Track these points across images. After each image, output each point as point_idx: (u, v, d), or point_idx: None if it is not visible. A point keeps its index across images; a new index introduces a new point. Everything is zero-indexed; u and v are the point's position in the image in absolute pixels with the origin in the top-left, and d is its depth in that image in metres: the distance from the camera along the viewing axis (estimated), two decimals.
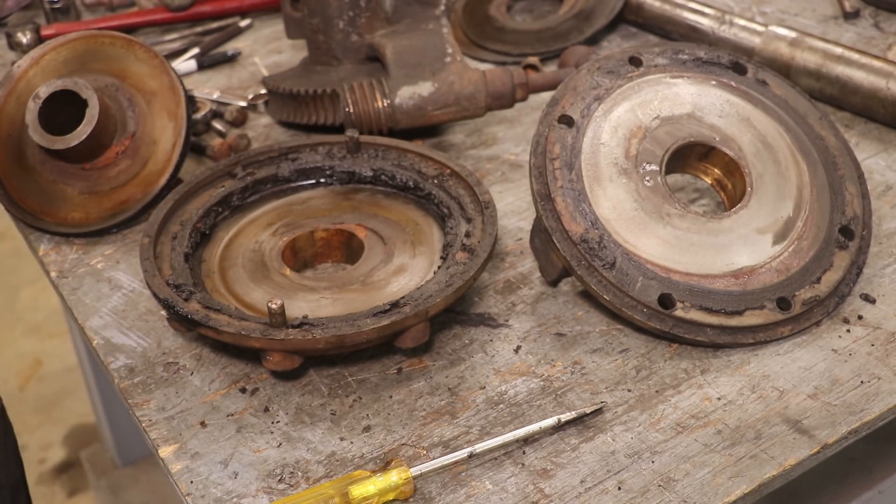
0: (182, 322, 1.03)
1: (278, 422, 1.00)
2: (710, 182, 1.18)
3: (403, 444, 0.97)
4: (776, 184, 1.12)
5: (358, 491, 0.90)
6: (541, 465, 0.94)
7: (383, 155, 1.25)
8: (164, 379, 1.06)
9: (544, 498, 0.91)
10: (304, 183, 1.26)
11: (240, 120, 1.47)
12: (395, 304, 1.01)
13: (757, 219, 1.10)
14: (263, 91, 1.51)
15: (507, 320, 1.11)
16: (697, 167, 1.17)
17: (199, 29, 1.72)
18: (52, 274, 1.21)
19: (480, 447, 0.94)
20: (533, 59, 1.51)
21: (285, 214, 1.22)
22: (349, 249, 1.19)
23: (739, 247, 1.08)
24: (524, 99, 1.35)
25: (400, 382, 1.04)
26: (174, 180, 1.26)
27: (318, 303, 1.08)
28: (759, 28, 1.47)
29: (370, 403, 1.02)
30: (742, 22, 1.49)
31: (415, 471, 0.92)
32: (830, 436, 0.96)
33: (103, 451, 2.50)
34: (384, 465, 0.93)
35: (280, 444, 0.98)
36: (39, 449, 2.66)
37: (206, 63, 1.62)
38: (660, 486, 0.92)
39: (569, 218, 1.06)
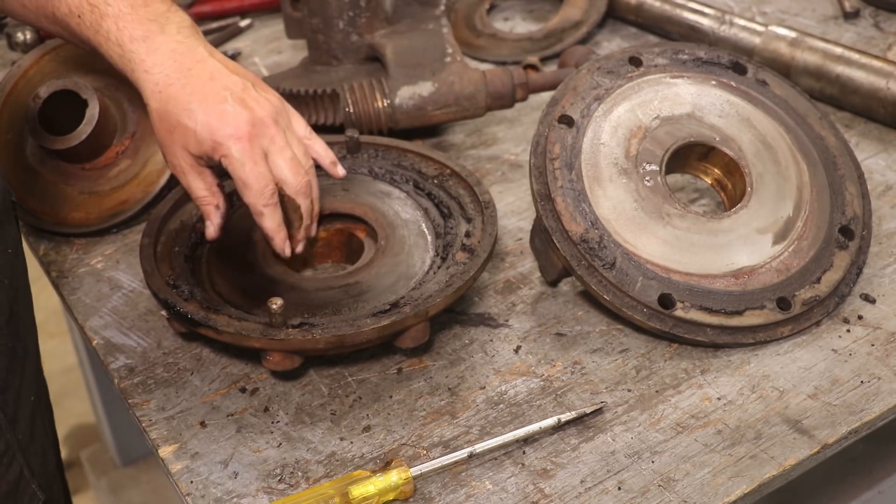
0: (182, 322, 1.03)
1: (278, 422, 1.00)
2: (710, 182, 1.18)
3: (403, 444, 0.97)
4: (776, 184, 1.12)
5: (358, 491, 0.90)
6: (541, 465, 0.94)
7: (383, 155, 1.25)
8: (164, 379, 1.06)
9: (544, 498, 0.91)
10: None
11: None
12: (395, 304, 1.01)
13: (757, 219, 1.10)
14: None
15: (507, 320, 1.11)
16: (697, 167, 1.17)
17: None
18: (52, 274, 1.21)
19: (480, 447, 0.94)
20: (533, 59, 1.51)
21: None
22: (349, 249, 1.19)
23: (739, 247, 1.08)
24: (524, 99, 1.35)
25: (400, 382, 1.04)
26: (174, 180, 1.26)
27: None
28: (759, 28, 1.47)
29: (370, 403, 1.02)
30: (742, 22, 1.49)
31: (415, 471, 0.92)
32: (830, 436, 0.96)
33: (103, 451, 2.50)
34: (384, 465, 0.93)
35: (280, 444, 0.98)
36: None
37: None
38: (660, 486, 0.92)
39: (569, 218, 1.06)
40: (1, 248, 0.96)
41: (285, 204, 1.04)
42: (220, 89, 0.99)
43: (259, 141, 1.00)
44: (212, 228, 1.07)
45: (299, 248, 1.08)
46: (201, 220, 1.17)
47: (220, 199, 1.06)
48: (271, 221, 1.02)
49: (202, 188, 1.04)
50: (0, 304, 0.96)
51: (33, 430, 1.02)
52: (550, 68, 1.51)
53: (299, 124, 1.08)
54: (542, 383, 1.03)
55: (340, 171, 1.12)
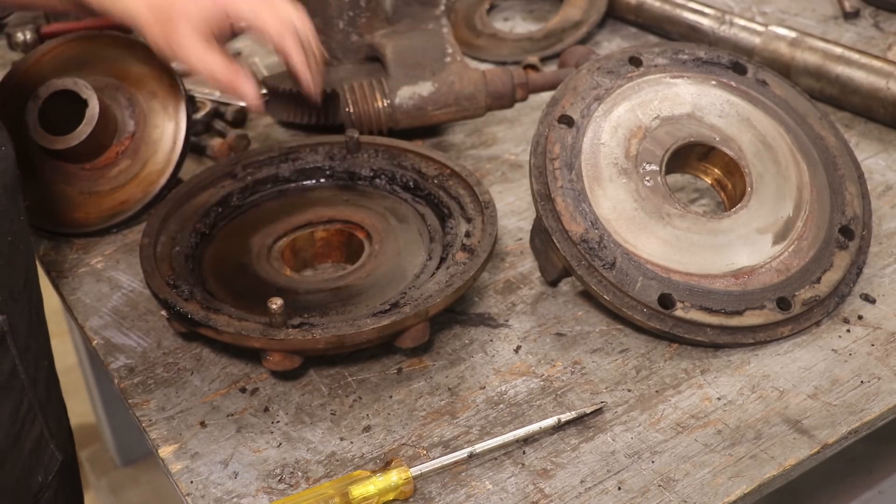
0: (182, 322, 1.03)
1: (278, 422, 1.00)
2: (710, 182, 1.18)
3: (403, 444, 0.97)
4: (776, 184, 1.12)
5: (358, 491, 0.90)
6: (541, 465, 0.94)
7: (383, 155, 1.25)
8: (164, 379, 1.06)
9: (544, 498, 0.91)
10: (305, 183, 1.26)
11: (240, 120, 1.46)
12: (395, 304, 1.01)
13: (757, 219, 1.10)
14: (263, 91, 1.50)
15: (507, 320, 1.11)
16: (697, 167, 1.17)
17: None
18: (52, 274, 1.21)
19: (480, 447, 0.94)
20: (533, 59, 1.51)
21: None
22: (349, 249, 1.19)
23: (739, 247, 1.08)
24: (524, 99, 1.35)
25: (400, 382, 1.04)
26: (174, 180, 1.26)
27: None
28: (759, 28, 1.47)
29: (370, 403, 1.02)
30: (742, 22, 1.49)
31: (415, 471, 0.92)
32: (830, 436, 0.96)
33: (103, 451, 2.50)
34: (384, 465, 0.93)
35: (280, 444, 0.98)
36: None
37: None
38: (660, 486, 0.92)
39: (569, 218, 1.06)
40: (15, 216, 0.98)
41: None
42: None
43: None
44: (250, 96, 1.07)
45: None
46: (201, 219, 1.17)
47: (241, 66, 1.06)
48: (299, 54, 1.07)
49: (220, 63, 1.04)
50: (19, 268, 0.98)
51: (49, 393, 1.05)
52: (550, 68, 1.51)
53: None
54: (542, 383, 1.03)
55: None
